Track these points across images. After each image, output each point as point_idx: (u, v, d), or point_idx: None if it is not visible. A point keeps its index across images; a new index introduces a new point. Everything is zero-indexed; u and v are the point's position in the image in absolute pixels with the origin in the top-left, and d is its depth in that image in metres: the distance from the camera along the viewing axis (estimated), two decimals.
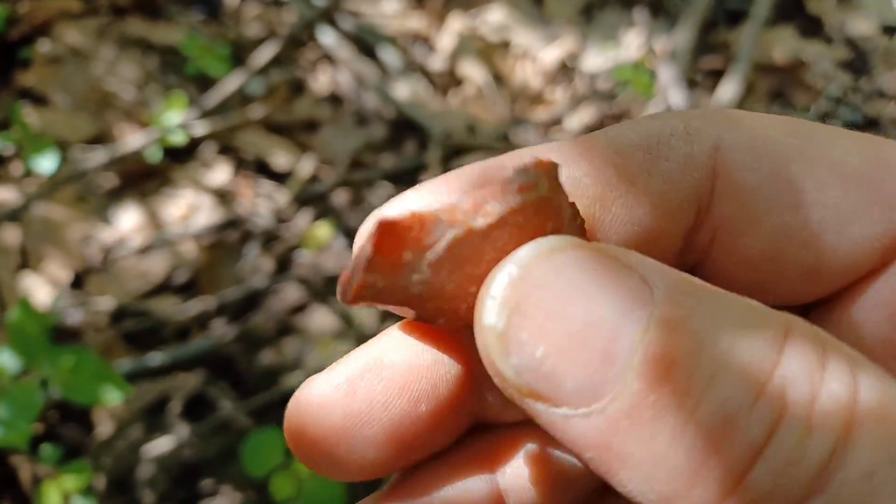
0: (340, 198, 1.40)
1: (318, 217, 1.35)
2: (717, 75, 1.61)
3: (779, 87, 1.63)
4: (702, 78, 1.62)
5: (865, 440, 0.22)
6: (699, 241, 0.31)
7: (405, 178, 1.42)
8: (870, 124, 1.53)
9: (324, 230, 1.30)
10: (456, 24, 1.69)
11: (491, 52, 1.68)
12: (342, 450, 0.30)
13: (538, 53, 1.67)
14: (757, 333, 0.23)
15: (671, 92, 1.48)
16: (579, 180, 0.30)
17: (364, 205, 1.38)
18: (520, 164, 0.26)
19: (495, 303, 0.25)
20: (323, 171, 1.44)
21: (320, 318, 1.19)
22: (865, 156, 0.30)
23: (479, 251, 0.26)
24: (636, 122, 0.31)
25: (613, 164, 0.30)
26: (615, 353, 0.23)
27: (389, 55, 1.60)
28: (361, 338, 1.17)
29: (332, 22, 1.63)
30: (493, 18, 1.71)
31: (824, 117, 1.34)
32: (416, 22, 1.71)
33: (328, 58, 1.63)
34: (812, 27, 1.71)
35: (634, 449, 0.23)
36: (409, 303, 0.27)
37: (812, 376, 0.23)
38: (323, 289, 1.23)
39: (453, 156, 1.44)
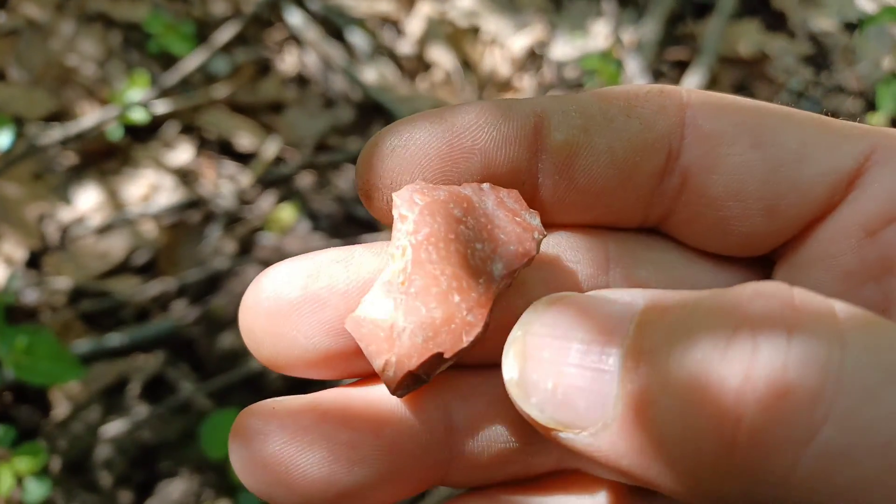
0: (305, 180, 1.39)
1: (282, 199, 1.33)
2: (682, 66, 1.63)
3: (742, 80, 1.65)
4: (667, 69, 1.64)
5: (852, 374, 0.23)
6: (671, 185, 0.35)
7: None
8: None
9: (287, 213, 1.29)
10: (425, 9, 1.68)
11: (460, 37, 1.67)
12: (290, 328, 0.32)
13: (507, 40, 1.67)
14: (719, 304, 0.26)
15: (637, 82, 1.49)
16: (568, 113, 0.34)
17: (329, 187, 1.37)
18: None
19: (509, 359, 0.29)
20: (288, 153, 1.43)
21: None
22: (803, 112, 0.34)
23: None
24: (620, 85, 0.36)
25: (598, 105, 0.34)
26: (607, 364, 0.27)
27: (358, 37, 1.59)
28: None
29: (299, 2, 1.61)
30: (463, 4, 1.71)
31: None
32: (386, 5, 1.70)
33: (295, 39, 1.61)
34: (776, 22, 1.74)
35: (651, 442, 0.26)
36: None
37: (783, 319, 0.24)
38: None
39: None
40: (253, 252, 1.25)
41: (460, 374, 0.34)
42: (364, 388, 0.34)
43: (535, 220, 0.33)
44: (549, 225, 0.35)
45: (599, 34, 1.70)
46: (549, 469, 0.36)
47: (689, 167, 0.34)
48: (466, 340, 0.30)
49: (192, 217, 1.30)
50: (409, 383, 0.31)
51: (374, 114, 1.52)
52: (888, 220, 0.32)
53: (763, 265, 0.37)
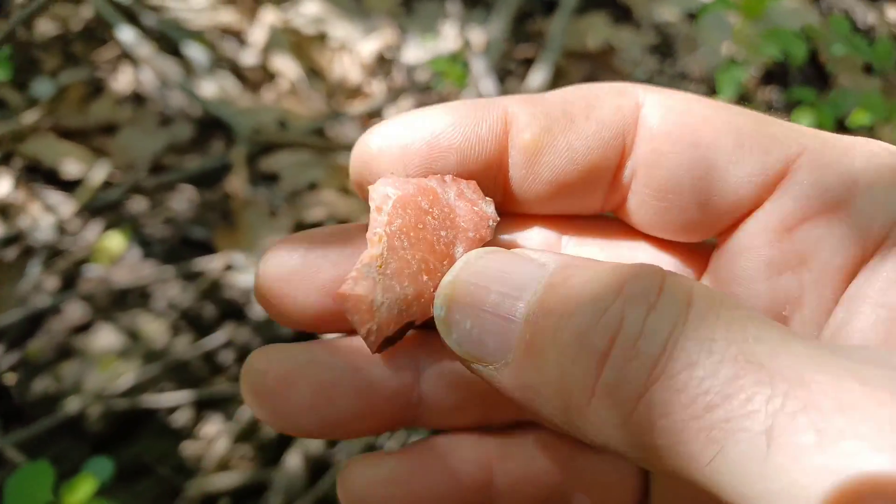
0: (138, 204, 1.31)
1: (110, 227, 1.25)
2: (531, 63, 1.63)
3: (590, 73, 1.67)
4: (516, 66, 1.64)
5: (690, 331, 0.28)
6: (625, 176, 0.40)
7: (210, 180, 1.35)
8: None
9: (116, 241, 1.22)
10: (269, 17, 1.63)
11: (307, 45, 1.63)
12: (292, 290, 0.38)
13: (356, 46, 1.64)
14: (610, 278, 0.31)
15: (483, 82, 1.48)
16: (535, 115, 0.38)
17: (163, 210, 1.30)
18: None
19: (439, 300, 0.35)
20: (121, 177, 1.35)
21: (105, 337, 1.10)
22: (749, 115, 0.38)
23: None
24: (585, 84, 0.40)
25: (560, 107, 0.38)
26: (515, 314, 0.32)
27: (195, 51, 1.52)
28: (149, 354, 1.10)
29: (130, 18, 1.53)
30: (309, 11, 1.66)
31: None
32: (227, 16, 1.63)
33: (129, 56, 1.53)
34: (622, 14, 1.77)
35: (536, 382, 0.32)
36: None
37: (648, 298, 0.29)
38: (110, 305, 1.14)
39: (262, 153, 1.39)
40: (77, 286, 1.17)
41: (428, 333, 0.41)
42: (347, 339, 0.41)
43: (490, 209, 0.38)
44: (518, 214, 0.41)
45: (449, 36, 1.68)
46: (508, 420, 0.43)
47: (638, 162, 0.39)
48: (433, 311, 0.36)
49: (8, 254, 1.20)
50: (386, 345, 0.37)
51: (214, 129, 1.45)
52: (803, 218, 0.36)
53: (703, 250, 0.42)
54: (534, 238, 0.42)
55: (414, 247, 0.36)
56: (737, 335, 0.28)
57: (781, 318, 0.37)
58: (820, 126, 1.25)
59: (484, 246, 0.37)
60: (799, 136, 0.37)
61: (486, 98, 0.40)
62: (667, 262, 0.42)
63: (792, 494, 0.25)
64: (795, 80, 1.71)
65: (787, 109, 1.54)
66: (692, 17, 1.77)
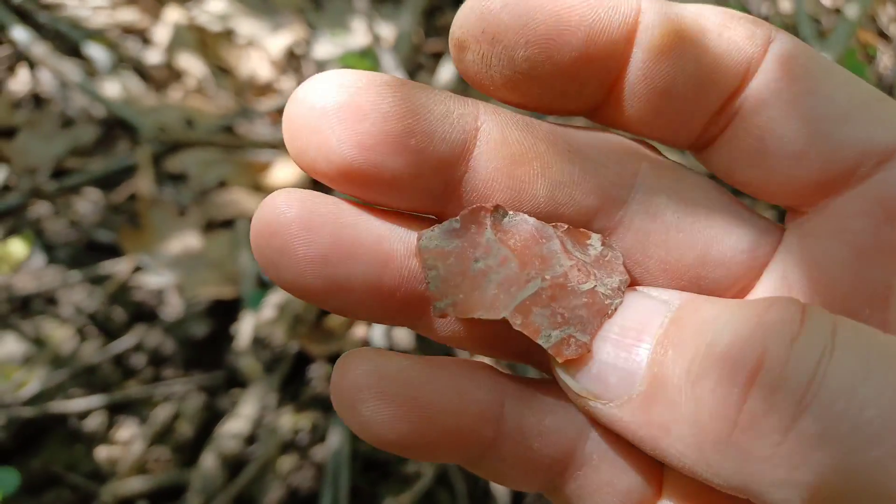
0: (40, 209, 1.27)
1: (10, 233, 1.22)
2: (440, 57, 1.66)
3: None
4: (426, 60, 1.66)
5: (841, 362, 0.28)
6: (733, 109, 0.36)
7: (115, 182, 1.32)
8: None
9: (18, 247, 1.18)
10: (173, 15, 1.60)
11: (213, 42, 1.61)
12: (329, 133, 0.32)
13: (264, 42, 1.63)
14: (744, 310, 0.30)
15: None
16: (669, 16, 0.35)
17: (69, 213, 1.27)
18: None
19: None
20: (21, 181, 1.30)
21: (7, 345, 1.07)
22: (866, 86, 0.35)
23: None
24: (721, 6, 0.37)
25: (696, 17, 0.35)
26: (640, 349, 0.32)
27: (96, 51, 1.48)
28: (56, 359, 1.08)
29: (24, 17, 1.48)
30: (214, 8, 1.64)
31: None
32: (129, 14, 1.60)
33: (27, 57, 1.48)
34: None
35: (665, 418, 0.30)
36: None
37: (791, 326, 0.28)
38: (11, 312, 1.11)
39: (168, 152, 1.37)
40: None
41: None
42: (381, 220, 0.35)
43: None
44: (621, 118, 0.37)
45: (359, 30, 1.69)
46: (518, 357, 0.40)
47: (749, 94, 0.35)
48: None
49: None
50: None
51: (118, 130, 1.42)
52: None
53: (774, 230, 0.38)
54: (612, 151, 0.37)
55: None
56: (892, 362, 0.27)
57: (861, 318, 0.34)
58: None
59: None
60: None
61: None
62: (741, 234, 0.38)
63: None
64: None
65: None
66: None
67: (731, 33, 0.35)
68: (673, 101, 0.36)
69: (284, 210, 0.33)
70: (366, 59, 1.58)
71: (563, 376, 0.34)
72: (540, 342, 0.33)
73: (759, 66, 0.35)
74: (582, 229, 0.36)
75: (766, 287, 0.37)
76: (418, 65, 1.65)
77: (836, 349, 0.28)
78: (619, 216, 0.36)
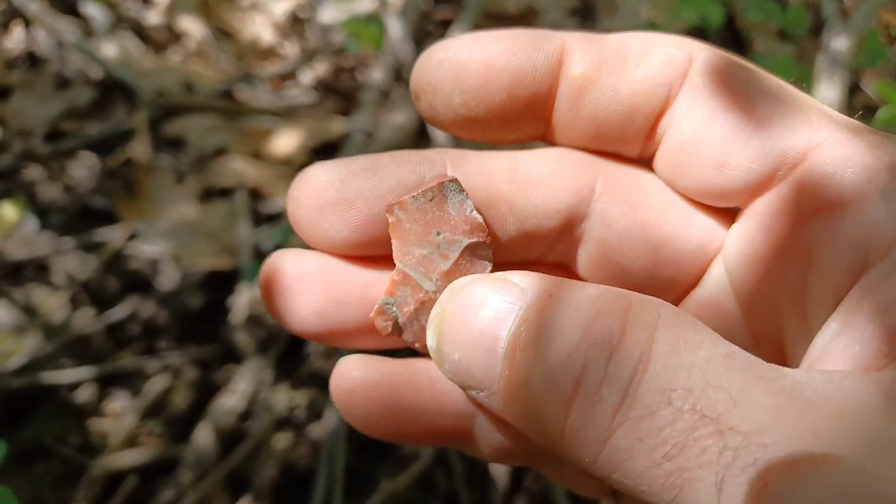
0: (34, 173, 1.24)
1: (2, 196, 1.18)
2: (449, 25, 1.60)
3: None
4: (434, 28, 1.61)
5: (650, 380, 0.29)
6: (661, 127, 0.40)
7: (111, 146, 1.28)
8: None
9: (10, 211, 1.15)
10: None
11: (215, 4, 1.56)
12: (325, 223, 0.38)
13: (268, 5, 1.57)
14: (577, 317, 0.31)
15: (400, 44, 1.45)
16: (589, 51, 0.39)
17: (63, 177, 1.23)
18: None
19: (430, 331, 0.37)
20: (14, 144, 1.26)
21: None
22: (789, 89, 0.38)
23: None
24: (649, 31, 0.41)
25: (616, 49, 0.39)
26: (497, 347, 0.34)
27: (94, 10, 1.43)
28: (48, 327, 1.05)
29: None
30: None
31: None
32: None
33: (22, 14, 1.43)
34: None
35: (519, 415, 0.33)
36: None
37: (611, 341, 0.30)
38: (2, 279, 1.08)
39: (166, 117, 1.32)
40: None
41: None
42: (366, 268, 0.41)
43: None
44: (568, 141, 0.42)
45: None
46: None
47: (674, 113, 0.39)
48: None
49: None
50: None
51: (116, 92, 1.38)
52: (815, 210, 0.35)
53: (724, 220, 0.42)
54: (567, 175, 0.41)
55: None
56: (697, 382, 0.29)
57: (785, 316, 0.37)
58: None
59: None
60: (818, 115, 0.36)
61: (548, 31, 0.41)
62: (689, 234, 0.42)
63: None
64: (713, 45, 1.74)
65: None
66: None
67: (650, 60, 0.39)
68: (603, 126, 0.40)
69: (282, 268, 0.40)
70: (371, 25, 1.52)
71: (442, 369, 0.36)
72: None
73: (682, 85, 0.39)
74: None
75: (713, 277, 0.42)
76: (426, 32, 1.60)
77: (650, 367, 0.30)
78: (581, 229, 0.41)
